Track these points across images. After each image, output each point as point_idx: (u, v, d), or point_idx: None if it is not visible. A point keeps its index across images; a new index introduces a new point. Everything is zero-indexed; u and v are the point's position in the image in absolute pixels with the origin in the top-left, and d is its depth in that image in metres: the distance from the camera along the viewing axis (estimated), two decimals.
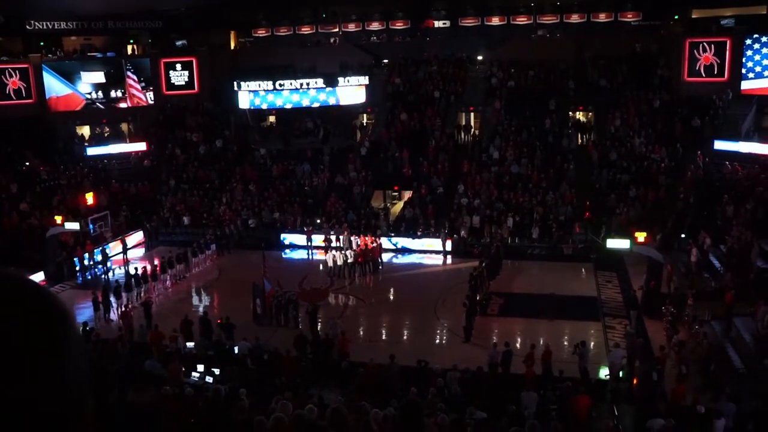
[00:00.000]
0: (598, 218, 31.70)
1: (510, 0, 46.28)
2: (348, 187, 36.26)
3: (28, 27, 42.11)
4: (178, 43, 46.14)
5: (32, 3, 38.71)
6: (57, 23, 42.97)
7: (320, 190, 36.58)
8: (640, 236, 25.86)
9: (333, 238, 32.01)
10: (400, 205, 36.36)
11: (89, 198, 34.89)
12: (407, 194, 36.13)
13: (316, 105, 33.49)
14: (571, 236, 31.33)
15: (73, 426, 1.07)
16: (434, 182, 35.33)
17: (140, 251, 34.06)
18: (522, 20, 46.04)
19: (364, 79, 36.20)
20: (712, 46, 36.92)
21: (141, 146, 40.37)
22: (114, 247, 32.87)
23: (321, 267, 30.65)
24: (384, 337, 23.81)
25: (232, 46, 50.13)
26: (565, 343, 21.78)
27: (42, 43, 43.26)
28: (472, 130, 39.41)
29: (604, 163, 34.75)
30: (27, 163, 37.39)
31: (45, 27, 42.69)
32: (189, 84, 44.52)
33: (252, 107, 37.34)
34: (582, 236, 31.25)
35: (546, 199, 33.05)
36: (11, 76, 40.27)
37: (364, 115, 41.38)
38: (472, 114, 40.37)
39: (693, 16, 40.40)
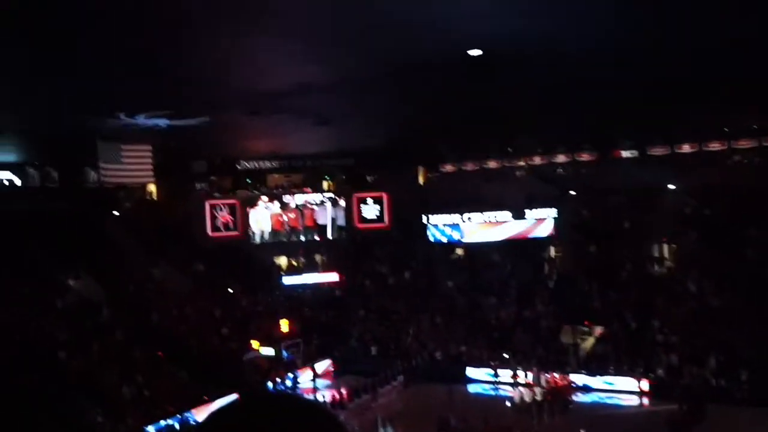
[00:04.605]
0: None
1: (701, 126, 44.39)
2: (535, 321, 35.14)
3: (238, 167, 45.96)
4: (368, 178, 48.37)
5: (243, 147, 42.21)
6: (262, 162, 46.53)
7: (507, 323, 35.70)
8: None
9: (521, 373, 30.80)
10: (590, 341, 34.56)
11: (284, 325, 36.09)
12: (598, 329, 34.37)
13: (503, 238, 33.49)
14: None
15: None
16: (627, 317, 33.40)
17: (328, 380, 34.44)
18: (715, 146, 43.86)
19: (552, 212, 35.73)
20: None
21: (333, 276, 41.74)
22: (304, 374, 33.47)
23: (508, 404, 29.33)
24: None
25: (421, 181, 51.55)
26: None
27: (249, 181, 46.85)
28: (666, 261, 37.29)
29: None
30: (230, 290, 39.64)
31: (252, 166, 46.38)
32: (380, 218, 45.95)
33: (440, 240, 37.85)
34: None
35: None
36: (222, 210, 43.58)
37: (552, 248, 40.50)
38: (665, 245, 38.32)
39: None
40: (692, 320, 31.99)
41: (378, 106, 30.01)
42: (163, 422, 26.97)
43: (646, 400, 29.49)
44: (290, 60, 20.72)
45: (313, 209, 44.66)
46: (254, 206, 43.92)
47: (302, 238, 44.96)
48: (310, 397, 31.36)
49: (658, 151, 45.35)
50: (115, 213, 42.49)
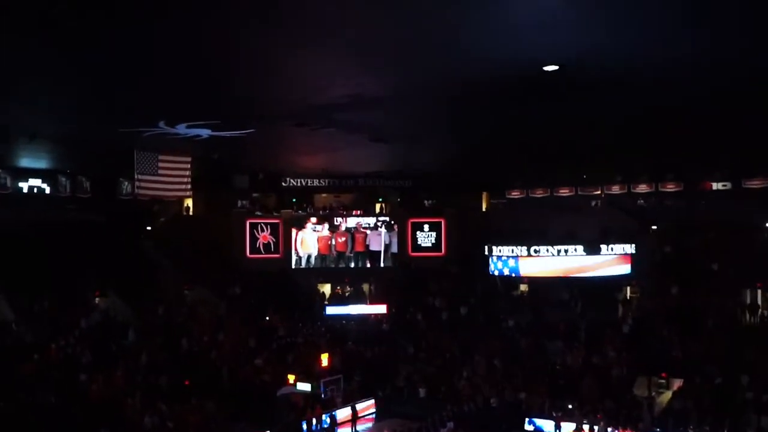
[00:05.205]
0: None
1: None
2: (606, 370, 34.71)
3: (283, 184, 46.78)
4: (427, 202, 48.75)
5: (290, 162, 42.88)
6: (310, 180, 47.22)
7: (574, 370, 35.37)
8: None
9: (586, 428, 30.48)
10: (668, 395, 33.98)
11: (324, 359, 36.36)
12: (677, 383, 33.79)
13: (574, 274, 33.44)
14: None
15: None
16: (711, 370, 32.81)
17: (370, 422, 34.57)
18: None
19: (630, 247, 35.46)
20: None
21: (381, 309, 42.00)
22: (343, 415, 33.65)
23: None
24: None
25: (484, 208, 51.60)
26: None
27: (294, 200, 47.57)
28: (760, 309, 36.60)
29: None
30: (267, 318, 40.20)
31: (298, 184, 47.12)
32: (435, 246, 46.17)
33: (502, 274, 37.80)
34: None
35: None
36: (263, 230, 44.41)
37: (628, 288, 40.10)
38: (759, 290, 37.61)
39: None
40: None
41: (441, 124, 30.28)
42: None
43: None
44: (347, 71, 21.03)
45: (365, 233, 45.09)
46: (302, 228, 44.55)
47: (351, 264, 45.39)
48: None
49: (755, 183, 44.61)
50: (149, 228, 43.56)
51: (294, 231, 44.50)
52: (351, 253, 45.31)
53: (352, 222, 45.35)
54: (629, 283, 39.81)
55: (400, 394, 36.12)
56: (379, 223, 45.70)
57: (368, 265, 45.34)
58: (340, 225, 45.11)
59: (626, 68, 20.54)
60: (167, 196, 38.14)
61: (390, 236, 45.58)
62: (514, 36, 17.52)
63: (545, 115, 27.32)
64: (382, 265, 45.42)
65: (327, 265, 45.21)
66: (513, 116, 27.78)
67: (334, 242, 44.90)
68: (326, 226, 44.87)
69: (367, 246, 45.39)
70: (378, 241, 45.45)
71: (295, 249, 44.61)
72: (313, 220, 44.88)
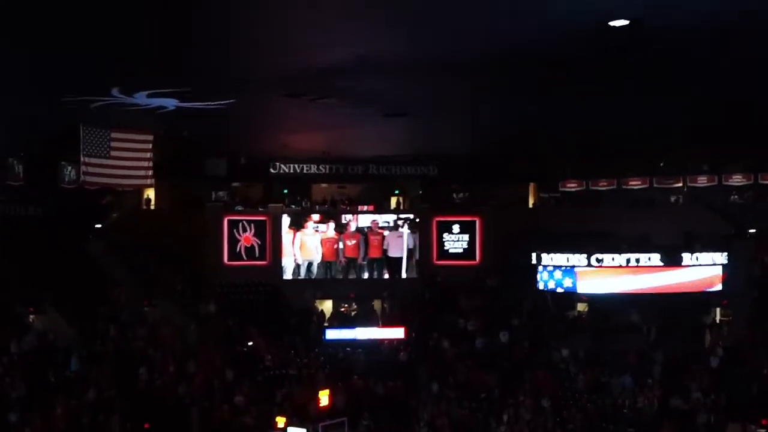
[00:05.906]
0: None
1: None
2: (689, 415, 34.52)
3: (271, 170, 46.51)
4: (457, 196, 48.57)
5: (280, 143, 42.62)
6: (306, 166, 46.97)
7: (647, 414, 35.23)
8: None
9: None
10: None
11: (323, 397, 36.24)
12: None
13: (647, 291, 33.22)
14: None
15: None
16: None
17: None
18: None
19: (720, 257, 35.20)
20: None
21: (397, 333, 41.72)
22: None
23: None
24: None
25: (531, 203, 51.35)
26: None
27: (285, 191, 47.35)
28: None
29: None
30: (250, 343, 40.07)
31: (291, 171, 46.87)
32: (468, 252, 45.91)
33: (553, 289, 37.62)
34: None
35: None
36: (245, 230, 44.21)
37: (718, 309, 39.89)
38: None
39: None
40: None
41: (477, 94, 30.10)
42: None
43: None
44: (359, 24, 20.88)
45: (382, 234, 44.85)
46: (302, 227, 44.35)
47: (365, 274, 45.11)
48: None
49: None
50: (98, 226, 43.53)
51: (291, 231, 44.35)
52: (364, 260, 45.08)
53: (365, 220, 45.09)
54: (719, 304, 39.57)
55: None
56: (400, 222, 45.43)
57: (386, 276, 45.14)
58: (349, 224, 44.87)
59: (721, 24, 20.33)
60: (122, 185, 38.02)
61: (415, 239, 45.34)
62: None
63: (610, 83, 27.17)
64: (404, 275, 45.17)
65: (334, 276, 45.05)
66: (569, 84, 27.61)
67: (342, 246, 44.71)
68: (331, 225, 44.61)
69: (385, 251, 45.19)
70: (399, 244, 45.17)
71: (293, 254, 44.51)
72: (315, 217, 44.68)
